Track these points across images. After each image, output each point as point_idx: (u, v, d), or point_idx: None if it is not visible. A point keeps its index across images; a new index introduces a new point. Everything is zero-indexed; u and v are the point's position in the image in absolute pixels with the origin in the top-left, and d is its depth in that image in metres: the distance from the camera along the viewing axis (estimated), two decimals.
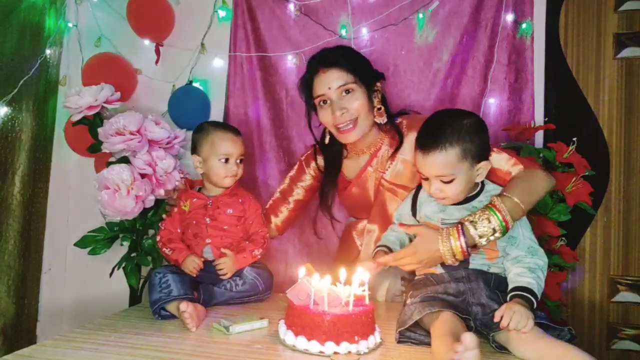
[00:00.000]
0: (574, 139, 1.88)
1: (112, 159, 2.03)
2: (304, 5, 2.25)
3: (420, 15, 2.15)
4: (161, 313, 1.52)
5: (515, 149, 1.89)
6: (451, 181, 1.38)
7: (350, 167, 1.81)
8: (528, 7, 2.09)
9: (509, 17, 2.09)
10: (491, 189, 1.45)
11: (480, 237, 1.35)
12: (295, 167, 1.94)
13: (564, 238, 1.89)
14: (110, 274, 2.11)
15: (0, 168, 2.10)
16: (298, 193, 1.91)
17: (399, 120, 1.75)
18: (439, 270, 1.44)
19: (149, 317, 1.53)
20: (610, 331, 2.10)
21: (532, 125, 2.02)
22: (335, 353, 1.20)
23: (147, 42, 2.29)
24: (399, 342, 1.32)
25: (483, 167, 1.41)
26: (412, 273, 1.56)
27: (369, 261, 1.48)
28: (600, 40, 2.13)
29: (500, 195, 1.39)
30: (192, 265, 1.65)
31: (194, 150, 1.80)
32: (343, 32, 2.21)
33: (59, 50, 2.38)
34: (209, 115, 2.31)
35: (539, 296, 1.28)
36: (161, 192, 1.98)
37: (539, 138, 2.08)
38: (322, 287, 1.28)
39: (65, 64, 2.40)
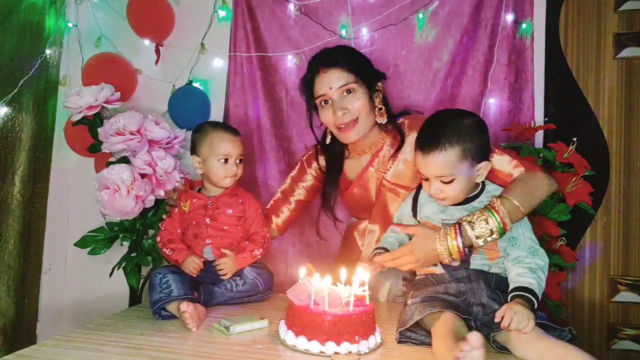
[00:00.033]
0: (574, 139, 1.88)
1: (112, 159, 2.03)
2: (304, 5, 2.25)
3: (420, 15, 2.15)
4: (161, 313, 1.52)
5: (515, 149, 1.89)
6: (451, 181, 1.37)
7: (351, 167, 1.81)
8: (528, 7, 2.09)
9: (509, 17, 2.09)
10: (492, 189, 1.45)
11: (477, 237, 1.35)
12: (297, 167, 1.94)
13: (564, 238, 1.89)
14: (110, 274, 2.11)
15: (0, 168, 2.10)
16: (299, 193, 1.90)
17: (400, 120, 1.74)
18: (439, 270, 1.44)
19: (150, 317, 1.53)
20: (610, 331, 2.10)
21: (532, 125, 2.02)
22: (336, 353, 1.20)
23: (147, 42, 2.29)
24: (400, 342, 1.32)
25: (483, 168, 1.41)
26: (414, 273, 1.56)
27: (367, 262, 1.49)
28: (600, 40, 2.13)
29: (500, 196, 1.40)
30: (192, 266, 1.65)
31: (193, 150, 1.80)
32: (343, 32, 2.21)
33: (59, 50, 2.38)
34: (209, 115, 2.31)
35: (540, 296, 1.28)
36: (161, 193, 1.97)
37: (539, 138, 2.08)
38: (322, 287, 1.28)
39: (65, 64, 2.40)
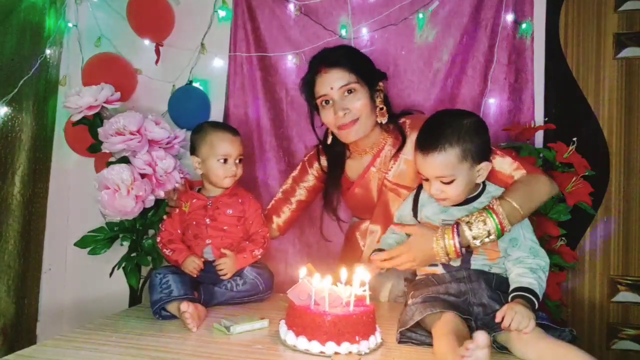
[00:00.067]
0: (574, 139, 1.88)
1: (112, 159, 2.03)
2: (304, 5, 2.24)
3: (420, 15, 2.15)
4: (162, 313, 1.52)
5: (515, 149, 1.89)
6: (451, 182, 1.38)
7: (353, 168, 1.81)
8: (528, 7, 2.09)
9: (509, 17, 2.09)
10: (492, 189, 1.45)
11: (475, 238, 1.35)
12: (298, 167, 1.93)
13: (564, 238, 1.89)
14: (110, 274, 2.11)
15: (0, 168, 2.10)
16: (300, 194, 1.90)
17: (402, 120, 1.73)
18: (440, 270, 1.44)
19: (150, 317, 1.53)
20: (610, 331, 2.10)
21: (532, 125, 2.02)
22: (336, 353, 1.20)
23: (147, 42, 2.29)
24: (400, 342, 1.32)
25: (484, 168, 1.41)
26: (415, 274, 1.56)
27: (366, 263, 1.49)
28: (600, 40, 2.13)
29: (499, 198, 1.39)
30: (192, 266, 1.65)
31: (193, 151, 1.80)
32: (343, 32, 2.21)
33: (59, 50, 2.37)
34: (209, 115, 2.31)
35: (541, 297, 1.28)
36: (161, 193, 1.97)
37: (539, 138, 2.08)
38: (323, 287, 1.28)
39: (65, 64, 2.40)
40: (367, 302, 1.31)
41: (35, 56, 2.21)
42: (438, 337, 1.20)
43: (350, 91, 1.63)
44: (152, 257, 2.10)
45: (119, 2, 2.32)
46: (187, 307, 1.41)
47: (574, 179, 1.84)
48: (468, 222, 1.36)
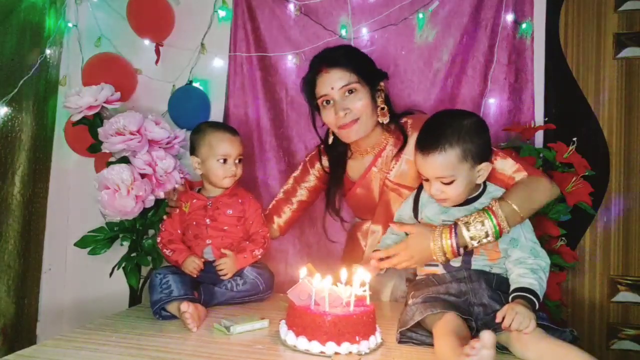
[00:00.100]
0: (574, 139, 1.88)
1: (112, 159, 2.03)
2: (304, 5, 2.24)
3: (420, 15, 2.15)
4: (162, 313, 1.52)
5: (515, 149, 1.89)
6: (451, 182, 1.37)
7: (354, 168, 1.80)
8: (528, 7, 2.09)
9: (509, 17, 2.09)
10: (493, 190, 1.45)
11: (472, 239, 1.36)
12: (300, 167, 1.93)
13: (564, 238, 1.89)
14: (110, 274, 2.11)
15: (0, 168, 2.10)
16: (302, 194, 1.90)
17: (403, 120, 1.73)
18: (440, 270, 1.44)
19: (150, 317, 1.53)
20: (610, 331, 2.10)
21: (532, 125, 2.02)
22: (336, 353, 1.20)
23: (147, 42, 2.29)
24: (400, 342, 1.32)
25: (484, 169, 1.40)
26: (416, 274, 1.57)
27: (366, 264, 1.49)
28: (600, 40, 2.12)
29: (499, 199, 1.39)
30: (192, 266, 1.65)
31: (192, 151, 1.80)
32: (343, 32, 2.21)
33: (59, 50, 2.37)
34: (209, 115, 2.31)
35: (541, 297, 1.28)
36: (160, 194, 1.97)
37: (539, 138, 2.08)
38: (323, 287, 1.28)
39: (65, 64, 2.40)
40: (367, 302, 1.31)
41: (35, 56, 2.21)
42: (439, 337, 1.20)
43: (351, 91, 1.63)
44: (152, 257, 2.10)
45: (119, 2, 2.32)
46: (187, 307, 1.41)
47: (574, 179, 1.84)
48: (466, 223, 1.37)
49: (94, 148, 2.09)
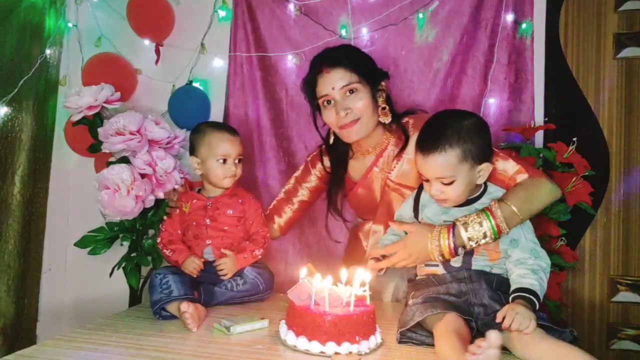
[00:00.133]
0: (574, 139, 1.89)
1: (112, 159, 2.03)
2: (304, 5, 2.24)
3: (420, 15, 2.15)
4: (162, 313, 1.52)
5: (515, 149, 1.89)
6: (451, 183, 1.37)
7: (355, 168, 1.80)
8: (528, 7, 2.09)
9: (509, 17, 2.09)
10: (494, 191, 1.45)
11: (470, 239, 1.36)
12: (301, 167, 1.93)
13: (564, 238, 1.89)
14: (110, 274, 2.11)
15: (0, 168, 2.10)
16: (303, 194, 1.90)
17: (405, 119, 1.72)
18: (440, 270, 1.44)
19: (150, 317, 1.53)
20: (610, 331, 2.10)
21: (532, 125, 2.02)
22: (337, 353, 1.20)
23: (147, 42, 2.29)
24: (400, 342, 1.32)
25: (484, 169, 1.40)
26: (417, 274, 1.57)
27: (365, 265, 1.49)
28: (600, 40, 2.13)
29: (499, 200, 1.39)
30: (192, 266, 1.65)
31: (192, 151, 1.80)
32: (343, 32, 2.21)
33: (59, 50, 2.37)
34: (209, 115, 2.31)
35: (542, 298, 1.28)
36: (160, 194, 1.97)
37: (539, 138, 2.08)
38: (323, 287, 1.28)
39: (65, 64, 2.40)
40: (367, 302, 1.31)
41: (35, 56, 2.21)
42: (440, 337, 1.20)
43: (352, 91, 1.62)
44: (152, 257, 2.10)
45: (119, 2, 2.32)
46: (187, 307, 1.41)
47: (574, 179, 1.84)
48: (464, 224, 1.37)
49: (94, 148, 2.09)
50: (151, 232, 2.13)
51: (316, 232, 2.23)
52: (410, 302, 1.39)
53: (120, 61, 2.34)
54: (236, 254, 1.69)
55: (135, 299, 2.14)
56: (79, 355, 1.20)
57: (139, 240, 2.10)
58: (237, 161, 1.77)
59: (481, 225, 1.35)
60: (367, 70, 1.66)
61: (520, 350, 1.19)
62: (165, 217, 1.81)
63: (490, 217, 1.35)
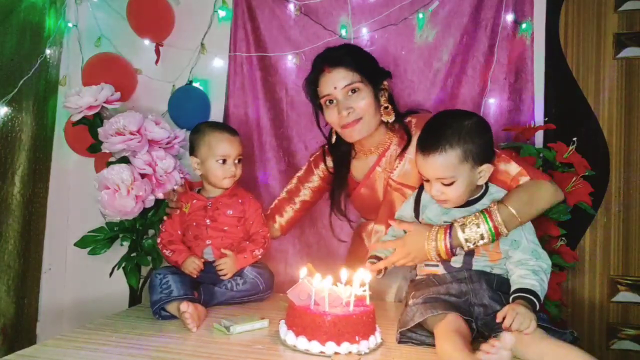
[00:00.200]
0: (574, 139, 1.88)
1: (112, 159, 2.03)
2: (304, 5, 2.24)
3: (420, 15, 2.15)
4: (161, 313, 1.52)
5: (515, 149, 1.89)
6: (452, 183, 1.37)
7: (358, 168, 1.80)
8: (528, 7, 2.09)
9: (509, 17, 2.09)
10: (495, 192, 1.45)
11: (467, 240, 1.36)
12: (304, 167, 1.93)
13: (564, 238, 1.89)
14: (110, 274, 2.11)
15: (0, 168, 2.10)
16: (305, 194, 1.89)
17: (407, 119, 1.72)
18: (441, 270, 1.44)
19: (150, 317, 1.53)
20: (610, 331, 2.10)
21: (532, 125, 2.02)
22: (336, 353, 1.20)
23: (147, 42, 2.29)
24: (400, 342, 1.32)
25: (485, 170, 1.40)
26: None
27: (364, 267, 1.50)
28: (600, 40, 2.12)
29: (499, 202, 1.39)
30: (192, 267, 1.65)
31: (192, 151, 1.80)
32: (343, 32, 2.21)
33: (59, 50, 2.37)
34: (209, 115, 2.31)
35: (542, 299, 1.28)
36: (160, 195, 1.97)
37: (539, 138, 2.08)
38: (322, 287, 1.28)
39: (65, 64, 2.40)
40: (367, 302, 1.31)
41: (35, 56, 2.21)
42: (442, 337, 1.20)
43: (354, 90, 1.62)
44: (152, 257, 2.10)
45: (119, 2, 2.32)
46: (187, 307, 1.41)
47: (574, 179, 1.84)
48: (462, 225, 1.37)
49: (94, 148, 2.09)
50: (151, 232, 2.13)
51: (316, 232, 2.23)
52: (410, 302, 1.39)
53: (120, 61, 2.34)
54: (236, 254, 1.69)
55: (135, 299, 2.14)
56: (79, 355, 1.20)
57: (139, 240, 2.10)
58: (236, 161, 1.77)
59: (478, 227, 1.35)
60: (369, 69, 1.66)
61: (521, 351, 1.18)
62: (165, 218, 1.81)
63: (488, 219, 1.35)
